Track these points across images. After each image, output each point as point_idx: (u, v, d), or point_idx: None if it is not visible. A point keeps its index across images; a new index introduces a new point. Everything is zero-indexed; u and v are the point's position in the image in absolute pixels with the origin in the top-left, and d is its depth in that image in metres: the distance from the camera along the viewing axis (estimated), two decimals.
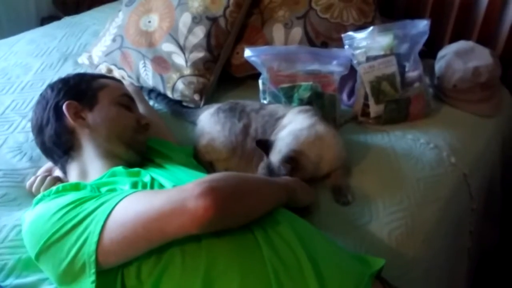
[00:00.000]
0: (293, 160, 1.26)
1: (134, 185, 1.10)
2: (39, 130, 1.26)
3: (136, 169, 1.19)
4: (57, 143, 1.23)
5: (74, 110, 1.22)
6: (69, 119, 1.22)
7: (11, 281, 1.07)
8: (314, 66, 1.54)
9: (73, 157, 1.23)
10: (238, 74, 1.82)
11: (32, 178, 1.33)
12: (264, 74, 1.57)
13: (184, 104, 1.72)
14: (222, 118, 1.44)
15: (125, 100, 1.31)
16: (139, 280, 0.95)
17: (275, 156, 1.29)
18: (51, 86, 1.29)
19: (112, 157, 1.22)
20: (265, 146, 1.32)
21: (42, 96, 1.29)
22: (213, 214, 0.88)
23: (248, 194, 0.99)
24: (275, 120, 1.38)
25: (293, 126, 1.34)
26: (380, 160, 1.46)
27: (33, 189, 1.30)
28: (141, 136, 1.29)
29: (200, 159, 1.43)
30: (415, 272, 1.30)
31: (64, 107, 1.22)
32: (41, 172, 1.35)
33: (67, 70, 1.87)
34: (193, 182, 0.93)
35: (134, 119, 1.28)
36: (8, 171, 1.39)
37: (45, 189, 1.26)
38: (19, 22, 2.65)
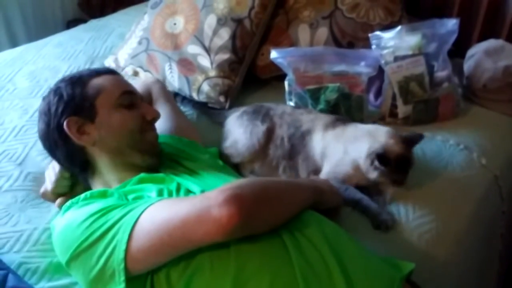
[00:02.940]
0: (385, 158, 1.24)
1: (160, 193, 1.09)
2: (51, 153, 1.24)
3: (161, 174, 1.18)
4: (72, 162, 1.22)
5: (75, 126, 1.17)
6: (74, 138, 1.17)
7: (44, 284, 1.09)
8: (341, 67, 1.53)
9: (93, 172, 1.22)
10: (263, 76, 1.82)
11: (42, 189, 1.32)
12: (290, 76, 1.56)
13: (210, 106, 1.72)
14: (246, 120, 1.44)
15: (125, 99, 1.22)
16: (169, 285, 0.95)
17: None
18: (47, 103, 1.21)
19: (129, 168, 1.20)
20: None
21: (41, 115, 1.22)
22: (237, 221, 0.88)
23: (274, 199, 0.99)
24: (301, 135, 1.37)
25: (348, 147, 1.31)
26: None
27: (51, 194, 1.29)
28: (150, 134, 1.24)
29: (225, 162, 1.43)
30: (445, 275, 1.28)
31: (65, 126, 1.16)
32: (48, 178, 1.32)
33: None
34: (218, 189, 0.93)
35: (139, 118, 1.22)
36: (37, 174, 1.41)
37: (58, 189, 1.28)
38: (46, 25, 2.70)
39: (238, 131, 1.44)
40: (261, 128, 1.40)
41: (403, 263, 1.10)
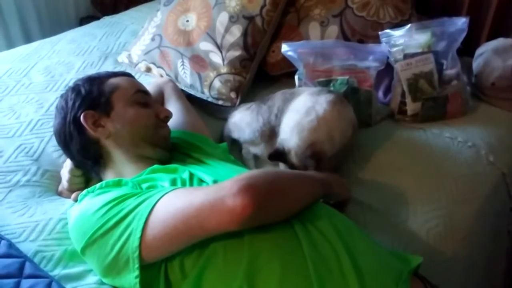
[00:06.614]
0: (314, 154, 1.26)
1: (173, 182, 1.12)
2: (65, 146, 1.27)
3: (173, 165, 1.20)
4: (86, 155, 1.24)
5: (92, 120, 1.22)
6: (89, 130, 1.22)
7: (59, 271, 1.11)
8: (351, 61, 1.54)
9: (105, 165, 1.25)
10: (273, 72, 1.83)
11: (60, 187, 1.36)
12: (301, 69, 1.57)
13: (220, 103, 1.74)
14: (254, 109, 1.49)
15: (140, 97, 1.28)
16: (183, 272, 0.97)
17: (290, 143, 1.30)
18: (65, 99, 1.27)
19: (142, 159, 1.23)
20: (280, 155, 1.34)
21: (58, 110, 1.27)
22: (251, 211, 0.89)
23: (286, 190, 1.00)
24: (292, 98, 1.40)
25: (293, 117, 1.35)
26: (417, 158, 1.46)
27: (68, 191, 1.32)
28: (163, 130, 1.30)
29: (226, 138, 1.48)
30: (453, 270, 1.29)
31: (81, 118, 1.21)
32: (63, 177, 1.35)
33: (108, 68, 1.90)
34: (231, 179, 0.95)
35: (152, 116, 1.27)
36: (54, 172, 1.41)
37: (73, 186, 1.31)
38: (60, 22, 2.72)
39: (245, 120, 1.48)
40: (264, 108, 1.44)
41: (411, 256, 1.12)
